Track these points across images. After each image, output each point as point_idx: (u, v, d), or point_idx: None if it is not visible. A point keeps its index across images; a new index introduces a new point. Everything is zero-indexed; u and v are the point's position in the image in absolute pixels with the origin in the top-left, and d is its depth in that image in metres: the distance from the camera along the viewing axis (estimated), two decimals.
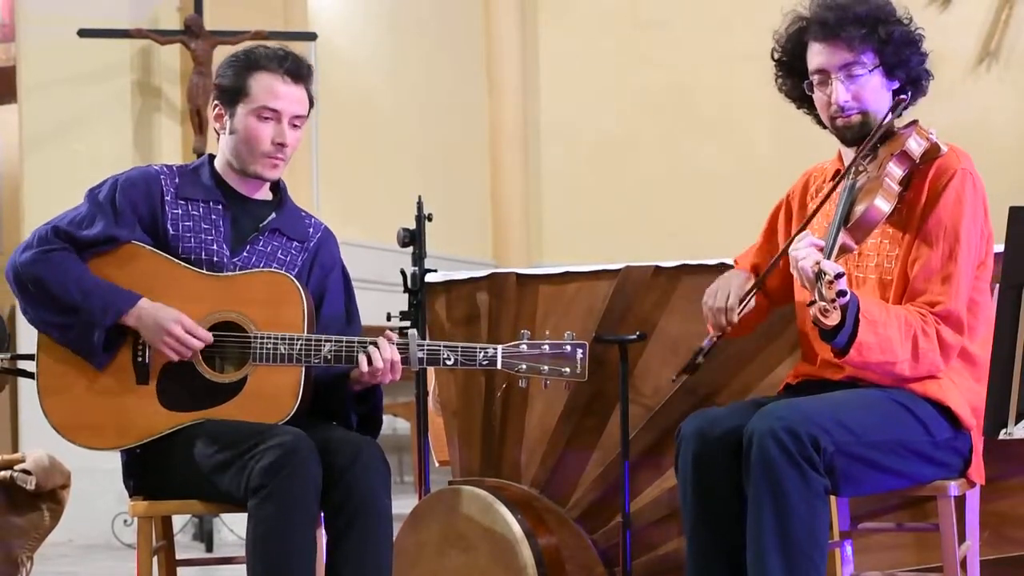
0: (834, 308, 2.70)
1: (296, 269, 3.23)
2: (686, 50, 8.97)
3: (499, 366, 3.05)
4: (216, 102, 3.23)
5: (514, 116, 9.21)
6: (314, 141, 7.10)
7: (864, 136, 3.04)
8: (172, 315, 3.05)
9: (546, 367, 3.05)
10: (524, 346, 3.05)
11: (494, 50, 9.18)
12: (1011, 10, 8.42)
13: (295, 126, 3.19)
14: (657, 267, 3.85)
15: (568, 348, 3.05)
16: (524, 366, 3.05)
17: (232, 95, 3.18)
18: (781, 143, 8.08)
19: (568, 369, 3.05)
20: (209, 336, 3.06)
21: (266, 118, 3.16)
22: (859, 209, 2.88)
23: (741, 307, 3.07)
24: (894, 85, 3.07)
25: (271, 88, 3.16)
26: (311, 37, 6.60)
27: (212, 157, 3.28)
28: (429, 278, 4.07)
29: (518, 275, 4.05)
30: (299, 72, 3.20)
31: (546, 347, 3.05)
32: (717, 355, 3.76)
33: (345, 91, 7.69)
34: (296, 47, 6.76)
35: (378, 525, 2.98)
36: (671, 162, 9.02)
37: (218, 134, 3.25)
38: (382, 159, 8.10)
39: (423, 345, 3.07)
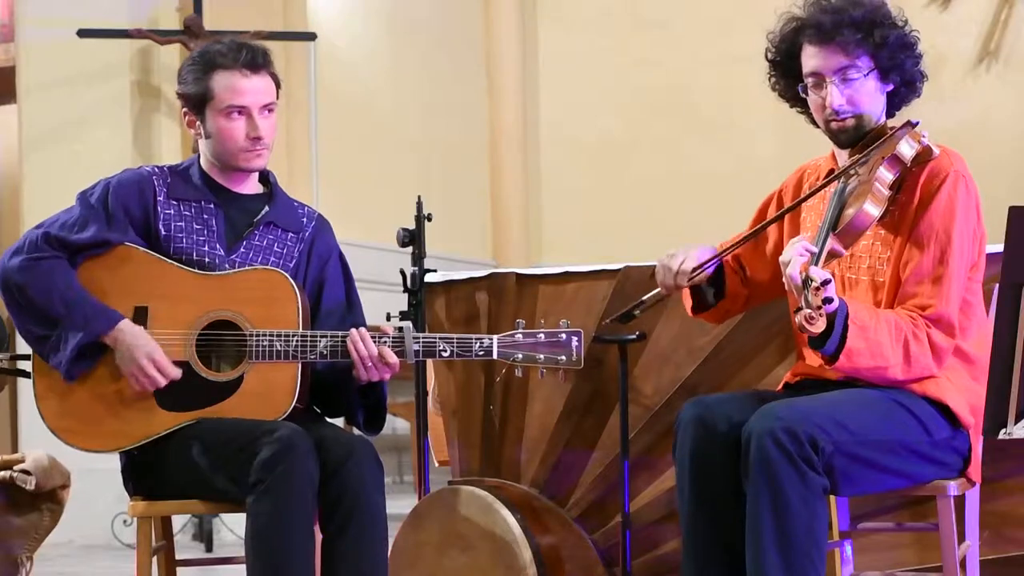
0: (820, 315, 2.70)
1: (293, 260, 3.24)
2: (686, 50, 8.97)
3: (495, 356, 3.07)
4: (184, 109, 3.23)
5: (514, 116, 9.20)
6: (314, 141, 7.10)
7: (858, 139, 3.04)
8: (145, 349, 3.04)
9: (542, 356, 3.06)
10: (519, 335, 3.07)
11: (494, 50, 9.18)
12: (1011, 10, 8.42)
13: (267, 114, 3.19)
14: None
15: (563, 336, 3.07)
16: (520, 355, 3.07)
17: (197, 101, 3.18)
18: (781, 143, 8.08)
19: (564, 357, 3.06)
20: (176, 373, 3.06)
21: (236, 116, 3.16)
22: (848, 214, 2.88)
23: (693, 274, 3.07)
24: (888, 88, 3.07)
25: (233, 86, 3.15)
26: (310, 37, 6.61)
27: (200, 156, 3.28)
28: (429, 278, 4.06)
29: (518, 275, 4.05)
30: (256, 62, 3.18)
31: (541, 336, 3.07)
32: (717, 355, 3.77)
33: (345, 91, 7.69)
34: (295, 47, 6.78)
35: (373, 523, 2.99)
36: (671, 162, 9.02)
37: (195, 138, 3.26)
38: (382, 159, 8.09)
39: (419, 338, 3.08)
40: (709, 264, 3.10)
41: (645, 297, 3.16)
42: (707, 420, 2.94)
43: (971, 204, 2.98)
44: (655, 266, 3.81)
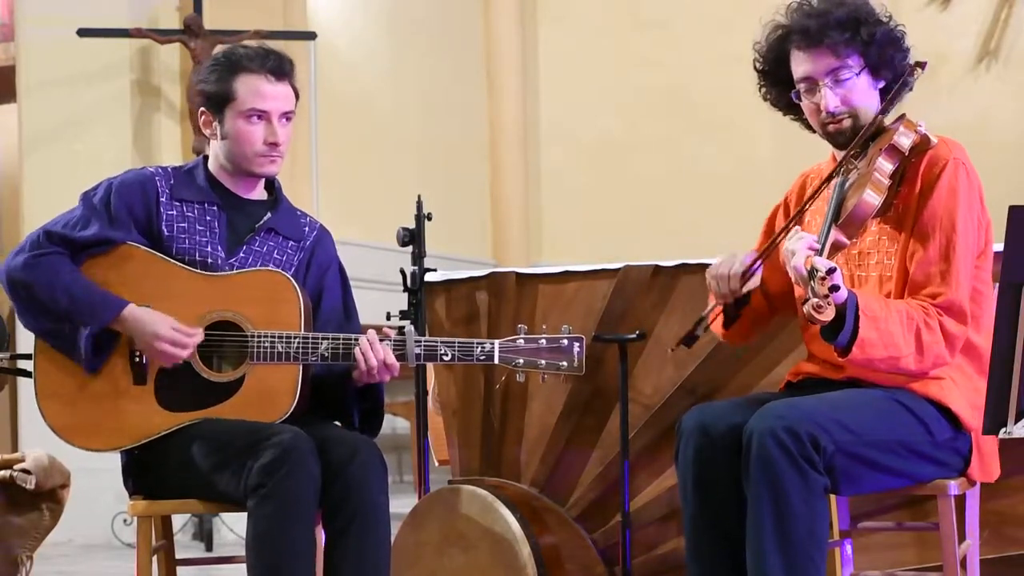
0: (827, 304, 2.69)
1: (292, 268, 3.23)
2: (686, 50, 8.97)
3: (496, 361, 3.06)
4: (202, 108, 3.22)
5: (514, 116, 9.20)
6: (314, 141, 7.10)
7: (855, 137, 3.03)
8: (152, 330, 3.03)
9: (543, 361, 3.06)
10: (521, 340, 3.06)
11: (494, 50, 9.18)
12: (1011, 10, 8.42)
13: (285, 123, 3.19)
14: (657, 267, 3.85)
15: (565, 342, 3.06)
16: (521, 360, 3.06)
17: (218, 100, 3.17)
18: (781, 143, 8.06)
19: (565, 363, 3.06)
20: (198, 336, 3.05)
21: (256, 120, 3.16)
22: (849, 204, 2.88)
23: (745, 277, 3.01)
24: (880, 84, 3.06)
25: (257, 89, 3.16)
26: (310, 37, 6.61)
27: (206, 158, 3.28)
28: (429, 277, 4.06)
29: (518, 274, 4.05)
30: (282, 69, 3.19)
31: (543, 341, 3.06)
32: (717, 355, 3.76)
33: (345, 91, 7.69)
34: (295, 47, 6.79)
35: (376, 524, 2.99)
36: (671, 162, 9.02)
37: (208, 139, 3.25)
38: (382, 159, 8.10)
39: (420, 341, 3.08)
40: (756, 267, 3.07)
41: (704, 313, 3.10)
42: (709, 426, 2.94)
43: (973, 191, 2.97)
44: (653, 265, 3.84)
